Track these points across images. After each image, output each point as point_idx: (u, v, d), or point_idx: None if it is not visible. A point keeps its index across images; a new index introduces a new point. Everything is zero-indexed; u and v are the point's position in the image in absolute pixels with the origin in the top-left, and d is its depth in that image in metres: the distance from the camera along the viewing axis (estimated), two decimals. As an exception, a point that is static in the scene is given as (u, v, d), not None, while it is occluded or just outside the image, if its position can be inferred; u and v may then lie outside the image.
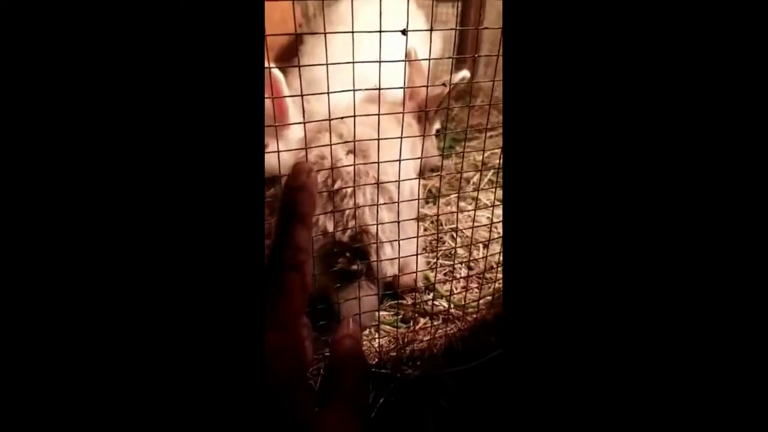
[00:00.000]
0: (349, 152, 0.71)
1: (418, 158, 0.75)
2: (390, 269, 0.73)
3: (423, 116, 0.86)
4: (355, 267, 0.69)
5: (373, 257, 0.69)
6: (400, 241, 0.64)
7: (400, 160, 0.54)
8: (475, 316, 0.77)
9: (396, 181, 0.59)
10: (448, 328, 0.74)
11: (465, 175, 1.14)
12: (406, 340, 0.73)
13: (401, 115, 0.55)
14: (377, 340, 0.72)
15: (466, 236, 0.96)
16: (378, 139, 0.52)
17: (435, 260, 0.87)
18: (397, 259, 0.68)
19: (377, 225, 0.64)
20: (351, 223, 0.69)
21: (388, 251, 0.70)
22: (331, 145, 0.54)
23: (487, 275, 0.84)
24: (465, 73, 0.85)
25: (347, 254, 0.68)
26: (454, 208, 1.03)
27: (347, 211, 0.68)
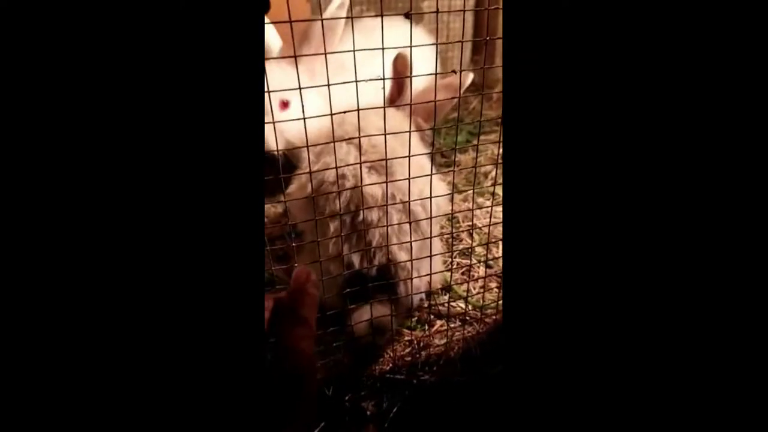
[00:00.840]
0: (371, 168, 0.63)
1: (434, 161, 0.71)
2: (416, 297, 0.68)
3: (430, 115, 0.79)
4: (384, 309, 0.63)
5: (400, 288, 0.64)
6: (423, 261, 0.60)
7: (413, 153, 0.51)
8: (494, 317, 0.73)
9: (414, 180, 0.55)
10: (466, 331, 0.71)
11: (483, 169, 1.10)
12: (421, 344, 0.70)
13: (413, 122, 0.51)
14: (392, 344, 0.69)
15: (485, 233, 0.92)
16: (385, 134, 0.48)
17: (451, 260, 0.84)
18: (421, 282, 0.64)
19: (401, 254, 0.60)
20: (377, 253, 0.63)
21: (416, 283, 0.65)
22: (331, 141, 0.50)
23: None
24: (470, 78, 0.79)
25: (370, 285, 0.62)
26: (470, 204, 0.99)
27: (373, 242, 0.62)
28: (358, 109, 0.46)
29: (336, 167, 0.50)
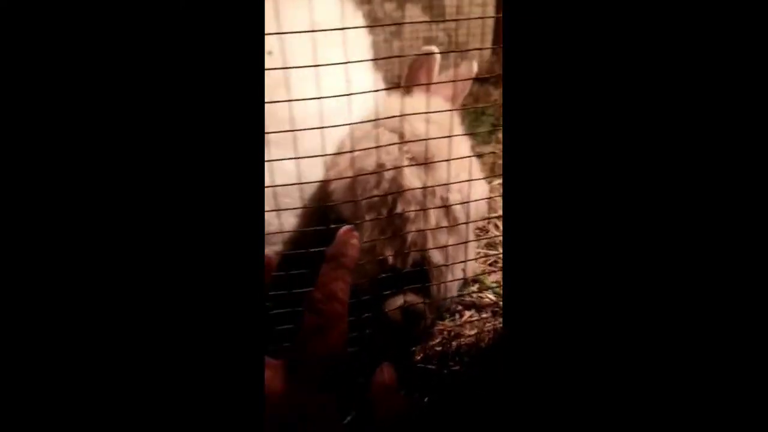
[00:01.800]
0: (412, 159, 0.61)
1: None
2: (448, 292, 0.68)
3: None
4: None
5: (433, 287, 0.63)
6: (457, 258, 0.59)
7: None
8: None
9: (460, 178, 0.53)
10: (497, 321, 0.70)
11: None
12: (452, 333, 0.70)
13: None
14: (424, 335, 0.68)
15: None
16: (428, 124, 0.47)
17: (480, 251, 0.83)
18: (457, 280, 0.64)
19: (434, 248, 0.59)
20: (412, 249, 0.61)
21: (449, 278, 0.64)
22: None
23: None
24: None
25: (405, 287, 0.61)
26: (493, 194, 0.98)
27: (409, 238, 0.61)
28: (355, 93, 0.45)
29: (350, 151, 0.49)
